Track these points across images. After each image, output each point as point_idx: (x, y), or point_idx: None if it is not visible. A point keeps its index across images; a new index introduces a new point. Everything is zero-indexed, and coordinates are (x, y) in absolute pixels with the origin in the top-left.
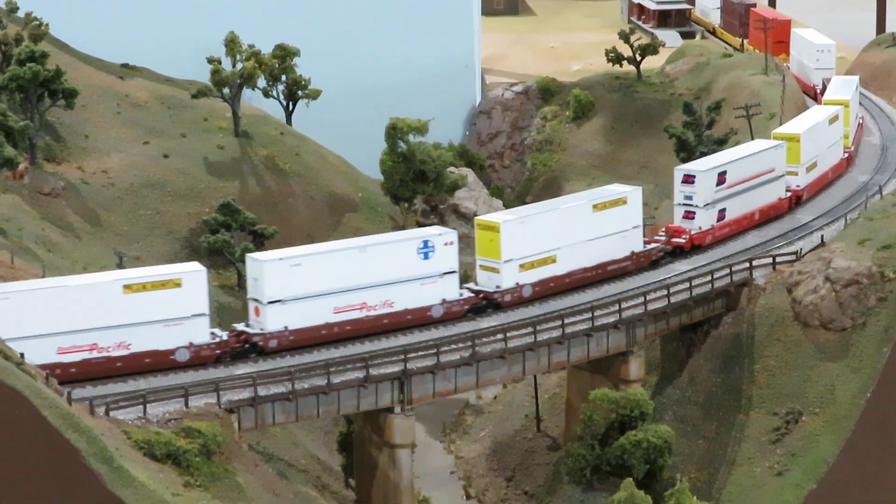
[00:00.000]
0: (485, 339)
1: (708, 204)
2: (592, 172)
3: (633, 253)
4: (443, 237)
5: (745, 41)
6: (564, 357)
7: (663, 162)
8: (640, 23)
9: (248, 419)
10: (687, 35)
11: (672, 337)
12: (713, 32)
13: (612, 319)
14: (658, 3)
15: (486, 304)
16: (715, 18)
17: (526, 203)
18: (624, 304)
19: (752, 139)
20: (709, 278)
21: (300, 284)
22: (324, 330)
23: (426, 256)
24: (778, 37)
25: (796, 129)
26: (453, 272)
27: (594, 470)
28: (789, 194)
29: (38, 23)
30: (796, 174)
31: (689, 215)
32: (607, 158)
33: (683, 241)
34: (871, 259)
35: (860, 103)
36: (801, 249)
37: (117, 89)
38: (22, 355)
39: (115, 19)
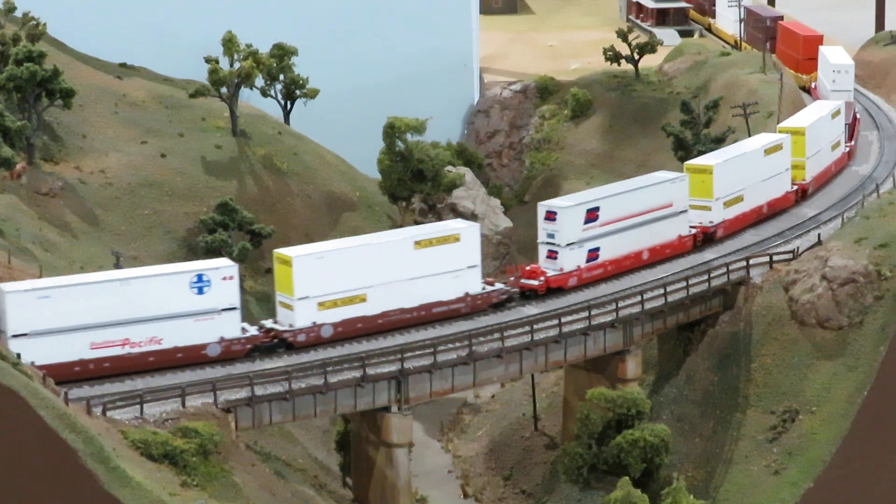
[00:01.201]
0: (482, 339)
1: (573, 243)
2: (591, 171)
3: (467, 295)
4: (221, 271)
5: (772, 55)
6: (562, 356)
7: (661, 160)
8: (638, 21)
9: (245, 419)
10: (685, 33)
11: (669, 336)
12: (737, 46)
13: (609, 318)
14: (656, 1)
15: (276, 343)
16: (736, 31)
17: (524, 202)
18: (621, 303)
19: (749, 137)
20: (706, 277)
21: (49, 318)
22: (77, 367)
23: (200, 291)
24: (807, 53)
25: (710, 161)
26: (234, 308)
27: (591, 469)
28: (694, 230)
29: (35, 22)
30: (709, 209)
31: (551, 255)
32: (605, 157)
33: (537, 283)
34: (867, 257)
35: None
36: (798, 248)
37: (115, 89)
38: (18, 355)
39: (113, 19)
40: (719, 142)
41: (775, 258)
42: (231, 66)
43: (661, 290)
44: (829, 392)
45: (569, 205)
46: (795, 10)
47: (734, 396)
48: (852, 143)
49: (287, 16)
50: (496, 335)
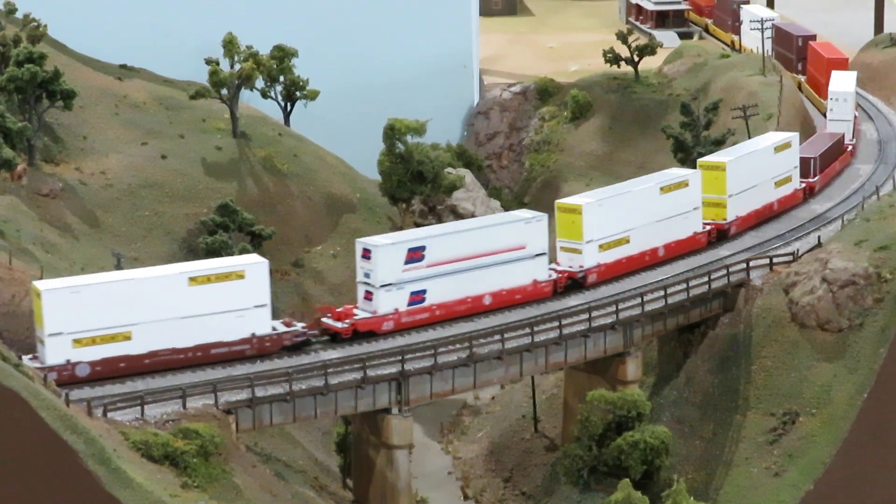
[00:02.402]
0: (482, 340)
1: (389, 284)
2: (590, 173)
3: (253, 336)
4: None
5: (801, 77)
6: (562, 358)
7: (661, 162)
8: (638, 23)
9: (246, 420)
10: (685, 35)
11: (669, 338)
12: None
13: (609, 320)
14: (656, 3)
15: None
16: (763, 49)
17: (524, 204)
18: (621, 305)
19: (749, 139)
20: (706, 279)
21: None
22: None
23: None
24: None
25: (579, 201)
26: None
27: (591, 471)
28: (555, 275)
29: (36, 24)
30: (579, 252)
31: (368, 296)
32: (605, 159)
33: (341, 326)
34: (867, 260)
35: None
36: (798, 250)
37: (115, 90)
38: (20, 357)
39: (114, 20)
40: (719, 143)
41: (775, 260)
42: (231, 67)
43: (662, 293)
44: (830, 394)
45: (386, 243)
46: (795, 11)
47: (734, 398)
48: (849, 147)
49: (287, 17)
50: (496, 337)
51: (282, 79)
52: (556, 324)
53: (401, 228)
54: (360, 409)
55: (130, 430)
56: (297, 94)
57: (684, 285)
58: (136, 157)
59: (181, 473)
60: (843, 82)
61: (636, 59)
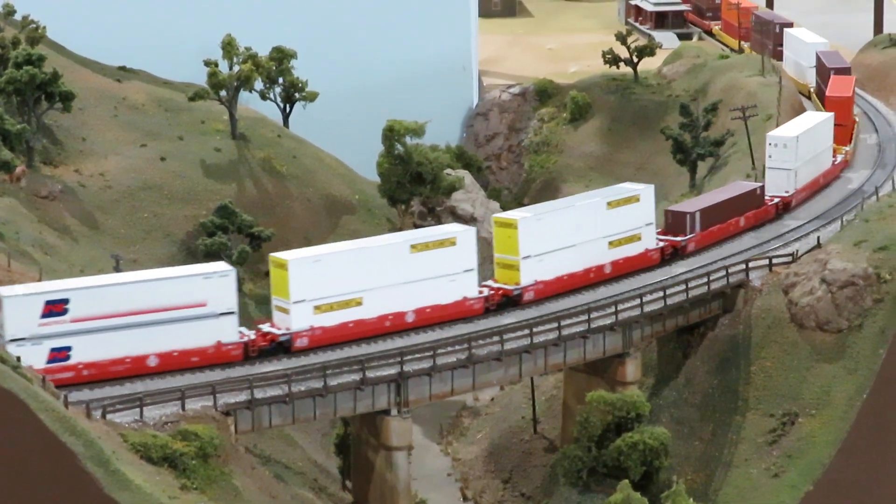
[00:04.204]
0: (481, 342)
1: (21, 339)
2: (590, 174)
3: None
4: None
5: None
6: (561, 359)
7: (660, 163)
8: (637, 24)
9: (245, 422)
10: (684, 36)
11: (668, 339)
12: (808, 96)
13: (608, 321)
14: (655, 4)
15: None
16: (811, 78)
17: (524, 205)
18: (620, 306)
19: (749, 141)
20: (705, 280)
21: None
22: None
23: None
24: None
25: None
26: None
27: (591, 472)
28: (242, 339)
29: (35, 26)
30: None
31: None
32: (604, 160)
33: None
34: (867, 261)
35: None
36: (798, 251)
37: (114, 92)
38: (18, 358)
39: (113, 22)
40: (718, 144)
41: (775, 261)
42: (230, 69)
43: (661, 294)
44: (829, 395)
45: (17, 294)
46: (795, 13)
47: (734, 399)
48: (848, 148)
49: (286, 19)
50: (495, 338)
51: (281, 80)
52: (555, 325)
53: (400, 229)
54: (359, 411)
55: (129, 431)
56: (296, 95)
57: (683, 286)
58: (135, 158)
59: (180, 475)
60: (795, 123)
61: (635, 60)
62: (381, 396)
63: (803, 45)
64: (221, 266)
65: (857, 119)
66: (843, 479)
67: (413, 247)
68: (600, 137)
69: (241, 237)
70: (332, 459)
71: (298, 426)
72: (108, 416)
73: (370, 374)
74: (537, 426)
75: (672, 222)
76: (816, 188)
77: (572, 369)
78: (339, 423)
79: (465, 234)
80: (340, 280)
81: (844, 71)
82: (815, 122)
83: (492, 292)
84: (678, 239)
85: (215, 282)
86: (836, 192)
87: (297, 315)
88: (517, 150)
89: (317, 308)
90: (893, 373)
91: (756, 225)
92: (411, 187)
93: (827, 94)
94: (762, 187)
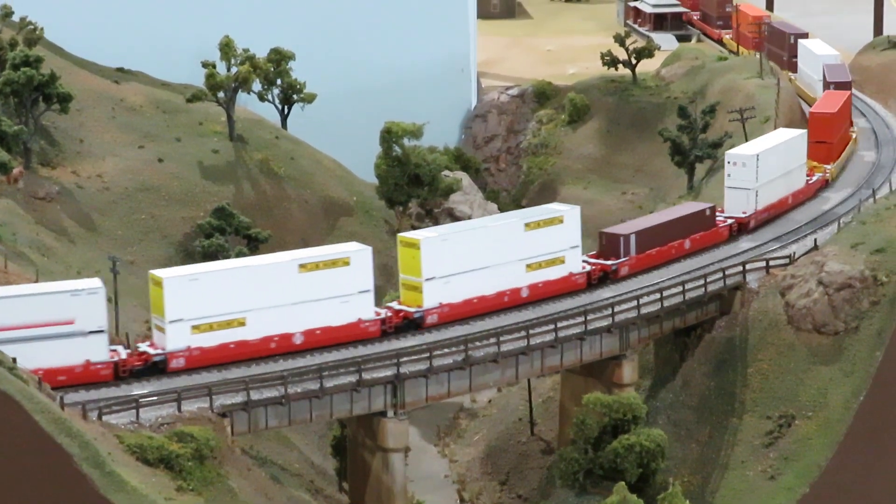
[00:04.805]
0: (478, 343)
1: None
2: (588, 176)
3: None
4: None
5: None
6: (558, 361)
7: (658, 165)
8: (635, 26)
9: (241, 423)
10: (682, 38)
11: (665, 340)
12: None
13: (605, 323)
14: (654, 6)
15: None
16: (819, 91)
17: (522, 207)
18: (617, 308)
19: (746, 142)
20: (702, 282)
21: None
22: None
23: None
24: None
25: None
26: None
27: (587, 474)
28: (113, 358)
29: (32, 27)
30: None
31: None
32: (603, 162)
33: None
34: (863, 263)
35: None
36: (795, 253)
37: (112, 93)
38: (14, 360)
39: (110, 23)
40: (716, 146)
41: (772, 263)
42: (228, 70)
43: (658, 295)
44: (826, 397)
45: None
46: (794, 14)
47: (730, 401)
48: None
49: (284, 20)
50: (492, 340)
51: (279, 82)
52: (551, 327)
53: (398, 231)
54: (356, 413)
55: (125, 433)
56: (294, 97)
57: (680, 288)
58: (133, 160)
59: (176, 477)
60: (749, 146)
61: (634, 61)
62: (378, 398)
63: (813, 56)
64: (91, 283)
65: (853, 134)
66: (840, 481)
67: (302, 266)
68: (599, 139)
69: (238, 239)
70: (328, 461)
71: (295, 428)
72: (104, 418)
73: (367, 375)
74: (534, 428)
75: (606, 245)
76: (783, 208)
77: (569, 371)
78: (336, 425)
79: (359, 254)
80: (221, 299)
81: (843, 86)
82: (783, 139)
83: (390, 314)
84: (609, 263)
85: (83, 299)
86: (804, 213)
87: (172, 335)
88: (515, 151)
89: (195, 328)
90: (890, 375)
91: (706, 247)
92: (409, 189)
93: (811, 109)
94: (713, 208)
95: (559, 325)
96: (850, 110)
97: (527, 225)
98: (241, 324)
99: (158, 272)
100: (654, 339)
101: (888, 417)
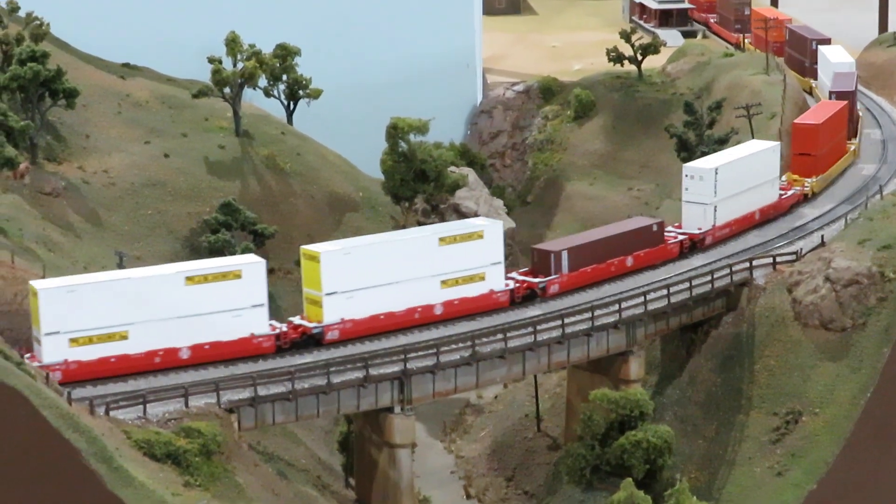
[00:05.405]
0: (485, 339)
1: None
2: (594, 172)
3: None
4: None
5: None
6: (564, 357)
7: (664, 161)
8: (641, 22)
9: (248, 419)
10: (688, 34)
11: (672, 337)
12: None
13: (612, 319)
14: (659, 2)
15: None
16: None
17: (527, 203)
18: (624, 304)
19: (753, 139)
20: (709, 278)
21: None
22: None
23: None
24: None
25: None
26: None
27: (594, 470)
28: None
29: (38, 22)
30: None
31: None
32: (608, 158)
33: None
34: (871, 259)
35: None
36: (802, 249)
37: (118, 89)
38: (22, 355)
39: (116, 19)
40: (723, 143)
41: (778, 259)
42: (234, 66)
43: (665, 292)
44: (833, 394)
45: None
46: (799, 11)
47: (737, 398)
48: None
49: (290, 16)
50: (499, 336)
51: (285, 77)
52: (558, 322)
53: (404, 227)
54: (363, 408)
55: (133, 428)
56: (300, 92)
57: (687, 284)
58: (139, 155)
59: (183, 472)
60: (708, 159)
61: (639, 57)
62: (385, 394)
63: (828, 64)
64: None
65: (851, 147)
66: (847, 477)
67: (189, 279)
68: (604, 135)
69: (244, 234)
70: (335, 457)
71: (302, 423)
72: (112, 413)
73: (374, 371)
74: (540, 424)
75: (537, 261)
76: (749, 224)
77: (576, 367)
78: (343, 421)
79: (252, 267)
80: (101, 312)
81: (844, 96)
82: (750, 151)
83: (287, 329)
84: (536, 280)
85: None
86: (774, 229)
87: (49, 347)
88: (521, 147)
89: (73, 341)
90: None
91: (653, 265)
92: (415, 185)
93: (795, 120)
94: (661, 223)
95: (566, 321)
96: (845, 121)
97: (441, 240)
98: (123, 337)
99: (36, 283)
100: (661, 336)
101: (895, 414)
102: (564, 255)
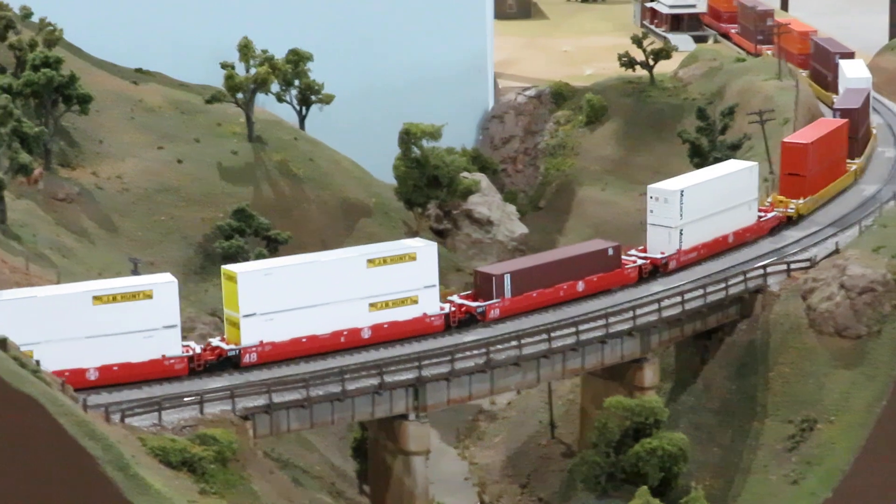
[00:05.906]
0: (499, 346)
1: None
2: (605, 177)
3: None
4: None
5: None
6: (579, 364)
7: (676, 167)
8: (652, 27)
9: (263, 426)
10: (700, 39)
11: (686, 344)
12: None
13: (626, 326)
14: (671, 7)
15: None
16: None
17: (539, 208)
18: (638, 311)
19: (766, 145)
20: (723, 285)
21: None
22: None
23: None
24: None
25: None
26: None
27: (609, 477)
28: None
29: (52, 28)
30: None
31: None
32: (620, 163)
33: None
34: (885, 266)
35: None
36: (816, 256)
37: (131, 94)
38: (38, 362)
39: (129, 24)
40: (735, 148)
41: (793, 266)
42: (247, 71)
43: (679, 299)
44: (848, 401)
45: None
46: (809, 14)
47: (752, 405)
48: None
49: (302, 21)
50: (513, 343)
51: (297, 83)
52: (573, 330)
53: (416, 233)
54: (377, 415)
55: (148, 435)
56: (313, 98)
57: (701, 291)
58: (152, 161)
59: (199, 479)
60: (674, 182)
61: (651, 62)
62: (399, 401)
63: (845, 80)
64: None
65: (852, 167)
66: (862, 485)
67: (96, 298)
68: (616, 140)
69: (258, 240)
70: (349, 463)
71: (316, 430)
72: (127, 420)
73: (388, 378)
74: (555, 431)
75: (479, 284)
76: (720, 248)
77: (590, 374)
78: (357, 428)
79: (163, 287)
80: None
81: (848, 113)
82: (723, 172)
83: (201, 351)
84: (475, 304)
85: None
86: (746, 253)
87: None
88: (533, 152)
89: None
90: None
91: (609, 290)
92: (428, 190)
93: (784, 139)
94: (618, 247)
95: (580, 328)
96: (844, 140)
97: (370, 261)
98: (28, 357)
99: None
100: (675, 343)
101: None
102: (507, 278)
